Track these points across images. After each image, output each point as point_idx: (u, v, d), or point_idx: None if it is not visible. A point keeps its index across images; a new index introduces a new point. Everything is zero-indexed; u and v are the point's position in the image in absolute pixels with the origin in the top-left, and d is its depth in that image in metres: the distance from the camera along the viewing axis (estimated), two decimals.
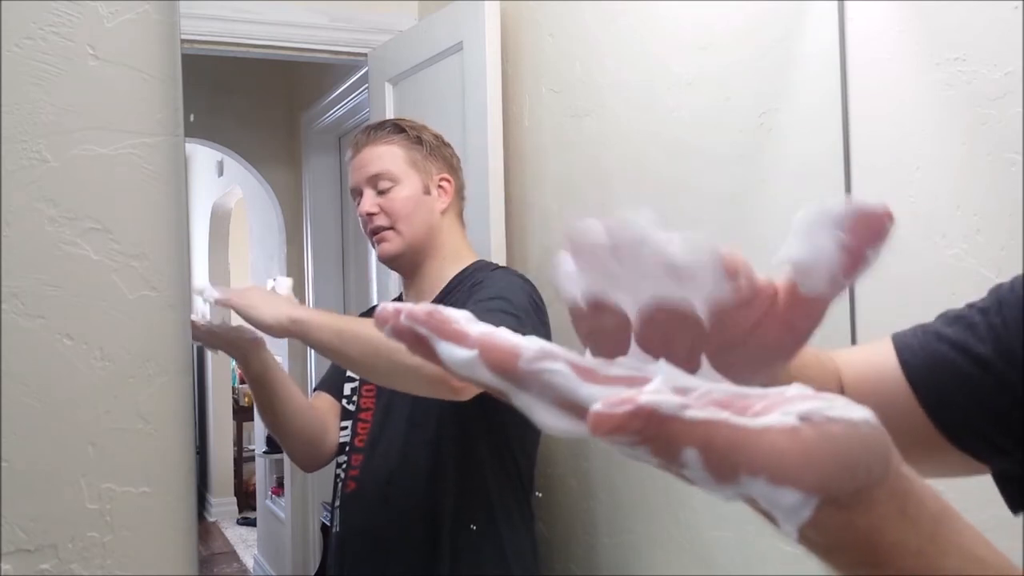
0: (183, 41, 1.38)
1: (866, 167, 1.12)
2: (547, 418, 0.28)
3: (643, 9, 1.47)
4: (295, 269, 2.52)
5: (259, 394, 1.41)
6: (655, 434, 0.25)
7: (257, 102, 2.51)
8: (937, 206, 1.02)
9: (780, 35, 1.25)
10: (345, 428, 1.46)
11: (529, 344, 0.28)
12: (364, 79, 2.11)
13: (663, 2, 1.43)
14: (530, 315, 1.30)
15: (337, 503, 1.45)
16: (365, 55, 2.05)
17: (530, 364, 0.28)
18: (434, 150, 1.43)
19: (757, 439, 0.26)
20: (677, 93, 1.38)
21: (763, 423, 0.26)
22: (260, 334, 1.35)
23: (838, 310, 1.14)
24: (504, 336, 0.29)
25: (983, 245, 0.98)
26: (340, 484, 1.45)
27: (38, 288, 1.29)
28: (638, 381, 0.27)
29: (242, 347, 1.36)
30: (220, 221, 3.22)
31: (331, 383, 1.53)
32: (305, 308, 1.23)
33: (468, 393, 1.15)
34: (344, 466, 1.44)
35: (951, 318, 0.57)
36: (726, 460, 0.26)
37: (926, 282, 1.04)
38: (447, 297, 1.38)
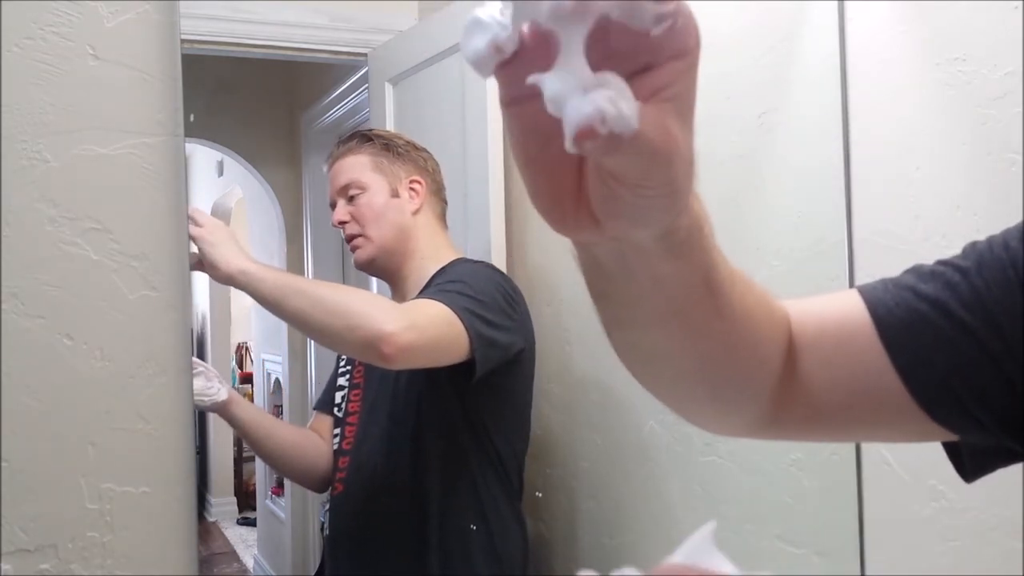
0: (183, 41, 1.38)
1: (866, 167, 1.12)
2: None
3: None
4: (295, 269, 2.52)
5: (244, 440, 1.47)
6: None
7: (257, 102, 2.51)
8: (937, 206, 1.02)
9: (780, 35, 1.25)
10: (336, 435, 1.47)
11: None
12: (364, 79, 2.11)
13: None
14: (496, 301, 1.29)
15: (327, 506, 1.46)
16: (365, 55, 2.05)
17: None
18: (402, 154, 1.44)
19: None
20: None
21: None
22: (223, 398, 1.40)
23: None
24: None
25: None
26: (331, 488, 1.45)
27: (38, 288, 1.29)
28: None
29: (207, 410, 1.41)
30: (220, 221, 3.21)
31: (324, 400, 1.55)
32: (259, 264, 1.22)
33: (399, 360, 1.13)
34: (334, 470, 1.45)
35: (926, 274, 0.52)
36: None
37: None
38: (424, 293, 1.38)
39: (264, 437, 1.45)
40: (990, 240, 0.51)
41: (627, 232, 0.38)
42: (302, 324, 1.22)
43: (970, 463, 0.53)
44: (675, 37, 0.31)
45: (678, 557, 0.24)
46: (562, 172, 0.36)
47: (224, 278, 1.21)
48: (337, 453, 1.45)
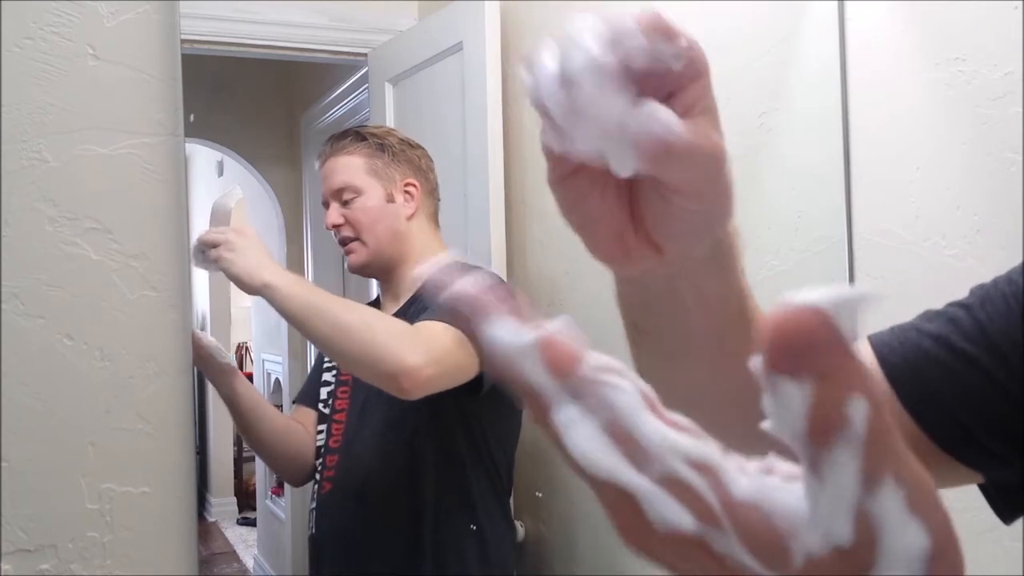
0: (183, 41, 1.38)
1: (866, 167, 1.12)
2: (588, 443, 0.23)
3: (643, 10, 1.47)
4: (295, 269, 2.52)
5: (232, 416, 1.44)
6: (836, 366, 0.20)
7: (257, 102, 2.51)
8: (937, 206, 1.02)
9: (780, 35, 1.25)
10: (321, 431, 1.46)
11: (595, 353, 0.24)
12: (364, 79, 2.11)
13: (663, 3, 1.43)
14: None
15: (313, 505, 1.44)
16: (365, 55, 2.05)
17: (594, 372, 0.23)
18: (397, 155, 1.42)
19: None
20: None
21: None
22: (232, 362, 1.39)
23: None
24: (567, 335, 0.24)
25: (983, 245, 0.98)
26: (316, 486, 1.44)
27: (38, 288, 1.29)
28: (706, 438, 0.23)
29: (210, 371, 1.39)
30: (220, 221, 3.22)
31: (308, 393, 1.53)
32: (284, 273, 1.21)
33: (417, 394, 1.15)
34: (320, 468, 1.44)
35: (931, 315, 0.53)
36: (886, 438, 0.20)
37: (926, 282, 1.04)
38: (418, 299, 1.38)
39: (260, 418, 1.43)
40: (995, 279, 0.52)
41: (688, 246, 0.41)
42: (324, 348, 1.24)
43: (1002, 503, 0.53)
44: (692, 65, 0.35)
45: None
46: (620, 216, 0.40)
47: (250, 291, 1.21)
48: (324, 451, 1.44)
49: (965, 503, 0.96)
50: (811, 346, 0.20)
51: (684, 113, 0.35)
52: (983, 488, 0.53)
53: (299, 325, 1.19)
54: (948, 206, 1.01)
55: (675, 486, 0.22)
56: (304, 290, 1.21)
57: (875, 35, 1.10)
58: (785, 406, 0.20)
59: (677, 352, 0.48)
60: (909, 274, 1.06)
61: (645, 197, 0.39)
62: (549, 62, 0.34)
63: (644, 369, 0.51)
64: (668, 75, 0.35)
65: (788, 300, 0.21)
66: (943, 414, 0.50)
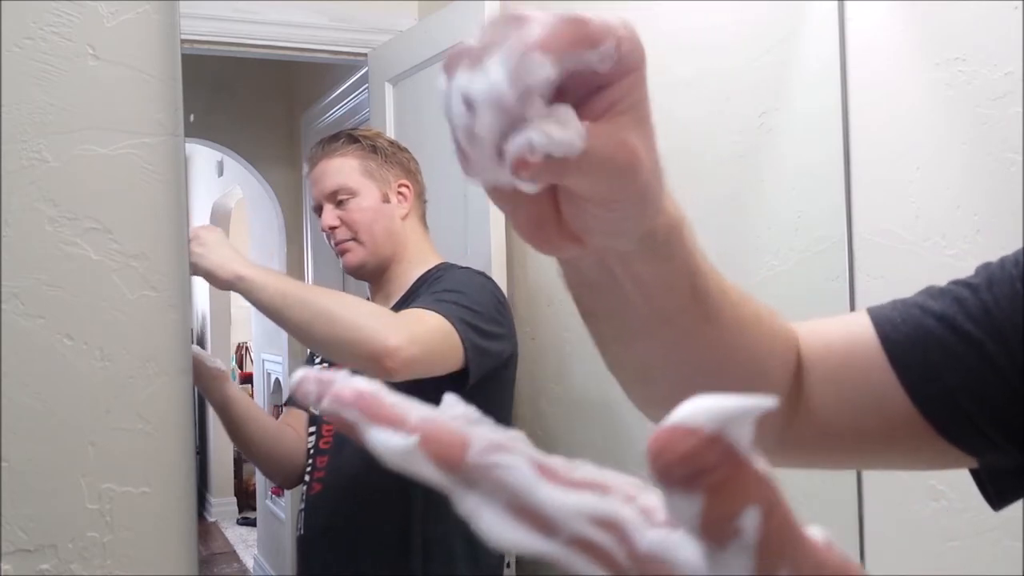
0: (183, 41, 1.38)
1: (866, 167, 1.12)
2: (495, 525, 0.23)
3: (643, 9, 1.47)
4: (295, 269, 2.52)
5: (223, 422, 1.43)
6: (726, 479, 0.20)
7: (257, 102, 2.51)
8: (937, 206, 1.02)
9: (780, 35, 1.25)
10: (312, 433, 1.46)
11: (480, 433, 0.24)
12: (364, 79, 2.11)
13: (663, 2, 1.43)
14: (489, 310, 1.30)
15: (302, 506, 1.44)
16: (365, 55, 2.05)
17: (481, 457, 0.23)
18: (390, 157, 1.43)
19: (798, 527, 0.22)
20: (677, 93, 1.38)
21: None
22: (223, 368, 1.39)
23: (835, 310, 1.14)
24: (450, 423, 0.24)
25: (983, 245, 0.98)
26: (305, 487, 1.44)
27: (38, 288, 1.29)
28: (608, 489, 0.23)
29: (202, 379, 1.39)
30: (220, 221, 3.22)
31: None
32: (256, 266, 1.21)
33: (401, 375, 1.14)
34: (309, 469, 1.44)
35: (936, 292, 0.52)
36: (781, 538, 0.21)
37: (926, 282, 1.03)
38: (410, 298, 1.38)
39: (252, 422, 1.43)
40: (1002, 259, 0.51)
41: (608, 244, 0.39)
42: (303, 335, 1.22)
43: (993, 489, 0.52)
44: (622, 63, 0.33)
45: None
46: (541, 203, 0.37)
47: (223, 285, 1.21)
48: (313, 452, 1.43)
49: (965, 503, 0.97)
50: (695, 469, 0.20)
51: (605, 111, 0.33)
52: (974, 472, 0.53)
53: (276, 314, 1.18)
54: (948, 206, 1.01)
55: (584, 546, 0.22)
56: (278, 279, 1.22)
57: (875, 35, 1.10)
58: (677, 513, 0.21)
59: (625, 333, 0.47)
60: (909, 274, 1.06)
61: (561, 195, 0.37)
62: (463, 75, 0.33)
63: (600, 347, 0.50)
64: (594, 74, 0.32)
65: (671, 418, 0.20)
66: (943, 397, 0.48)
